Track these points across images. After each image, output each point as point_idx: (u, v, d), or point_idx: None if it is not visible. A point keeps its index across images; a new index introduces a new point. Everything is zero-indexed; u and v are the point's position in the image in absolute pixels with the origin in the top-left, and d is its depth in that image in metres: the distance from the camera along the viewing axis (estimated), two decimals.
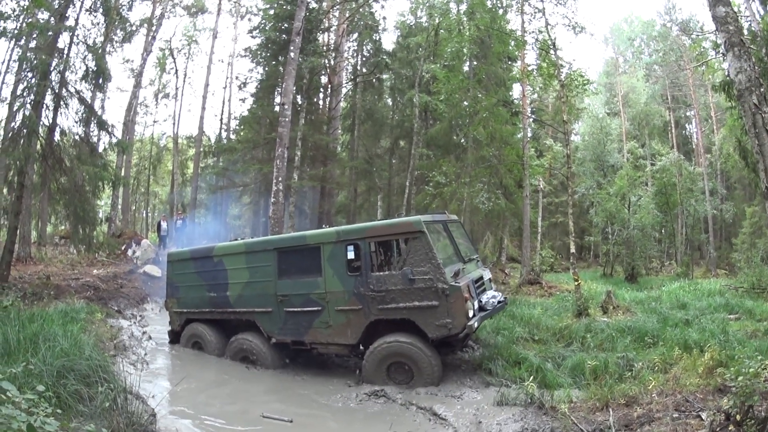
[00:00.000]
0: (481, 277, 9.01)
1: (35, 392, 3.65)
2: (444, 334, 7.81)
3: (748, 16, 15.50)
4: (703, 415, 5.57)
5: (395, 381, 8.20)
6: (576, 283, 13.72)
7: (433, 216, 9.08)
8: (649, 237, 26.91)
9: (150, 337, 11.29)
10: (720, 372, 6.71)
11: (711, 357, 7.21)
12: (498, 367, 8.91)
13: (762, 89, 4.72)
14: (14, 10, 14.20)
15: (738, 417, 4.87)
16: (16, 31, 14.37)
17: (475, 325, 8.02)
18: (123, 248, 21.33)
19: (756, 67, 4.87)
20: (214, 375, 9.25)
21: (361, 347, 8.73)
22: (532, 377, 7.65)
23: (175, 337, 11.19)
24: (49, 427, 2.90)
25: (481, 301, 8.46)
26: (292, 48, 18.49)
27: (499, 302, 8.85)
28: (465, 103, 22.18)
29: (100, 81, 14.65)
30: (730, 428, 4.87)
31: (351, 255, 8.42)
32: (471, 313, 7.88)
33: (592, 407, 6.61)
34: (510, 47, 22.07)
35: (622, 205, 26.40)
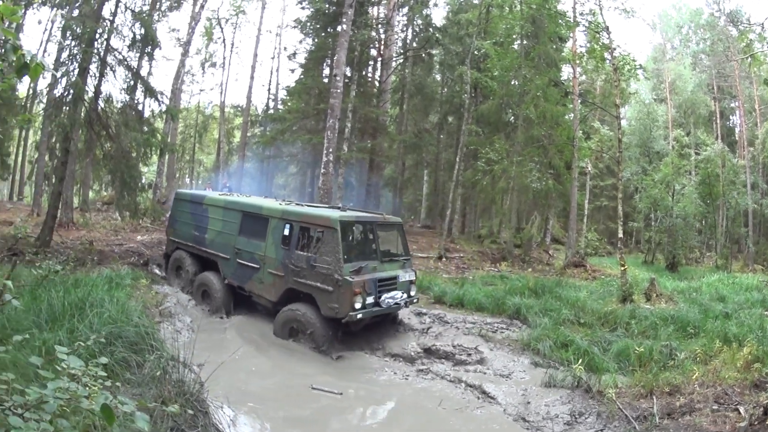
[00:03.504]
0: (393, 278, 9.87)
1: (95, 363, 3.18)
2: (332, 315, 9.04)
3: None
4: (741, 409, 5.67)
5: (295, 340, 9.39)
6: (622, 268, 13.73)
7: (357, 216, 10.27)
8: (691, 227, 26.67)
9: (196, 304, 11.27)
10: (757, 367, 6.88)
11: (749, 352, 7.37)
12: (546, 348, 9.24)
13: None
14: None
15: None
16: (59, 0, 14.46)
17: (359, 316, 9.02)
18: (167, 215, 21.58)
19: None
20: (258, 344, 9.37)
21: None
22: (579, 360, 7.83)
23: (165, 261, 13.23)
24: (126, 407, 2.63)
25: (378, 298, 9.39)
26: (344, 20, 18.56)
27: (395, 303, 9.78)
28: (515, 81, 22.08)
29: (149, 48, 14.85)
30: (767, 423, 5.00)
31: (286, 232, 9.93)
32: (358, 306, 8.96)
33: (637, 394, 6.76)
34: (561, 27, 21.87)
35: (666, 193, 26.12)
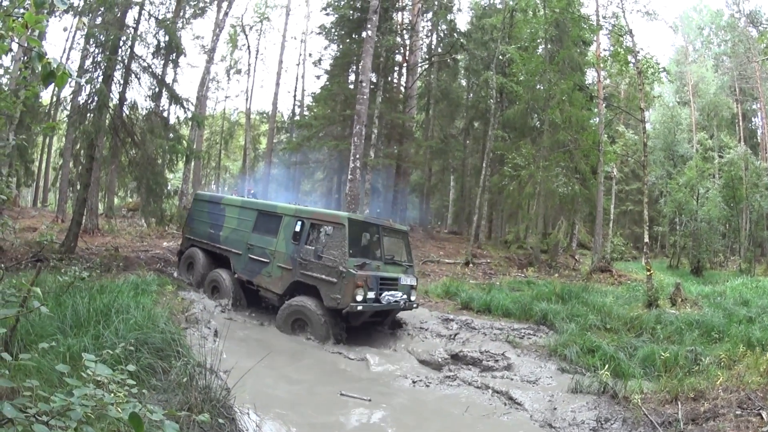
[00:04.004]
0: (395, 279, 10.58)
1: (122, 371, 3.10)
2: (333, 305, 9.63)
3: None
4: (764, 414, 5.72)
5: (297, 332, 9.97)
6: (648, 273, 13.78)
7: (365, 218, 11.38)
8: (715, 230, 26.57)
9: (222, 310, 11.16)
10: None
11: None
12: (572, 354, 9.31)
13: None
14: None
15: None
16: (81, 8, 14.34)
17: (359, 308, 9.54)
18: None
19: None
20: (285, 350, 9.22)
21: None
22: (606, 366, 7.91)
23: (179, 257, 14.03)
24: (155, 415, 2.57)
25: (379, 294, 9.99)
26: (369, 26, 18.59)
27: (395, 301, 10.27)
28: (540, 86, 22.18)
29: (173, 55, 14.91)
30: None
31: (298, 228, 10.63)
32: (359, 298, 9.54)
33: (662, 399, 6.80)
34: (585, 31, 21.96)
35: (690, 196, 26.07)
